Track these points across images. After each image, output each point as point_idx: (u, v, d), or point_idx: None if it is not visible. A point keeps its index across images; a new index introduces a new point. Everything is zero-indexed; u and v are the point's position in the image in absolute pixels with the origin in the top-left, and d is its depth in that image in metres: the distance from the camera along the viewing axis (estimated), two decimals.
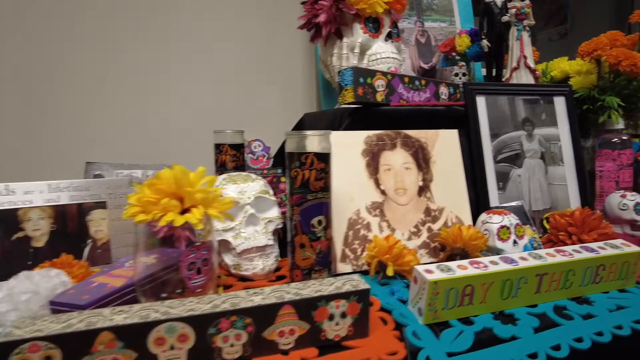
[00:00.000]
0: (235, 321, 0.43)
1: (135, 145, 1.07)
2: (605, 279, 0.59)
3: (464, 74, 0.98)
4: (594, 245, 0.61)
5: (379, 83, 0.74)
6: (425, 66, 1.07)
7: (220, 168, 0.86)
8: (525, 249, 0.74)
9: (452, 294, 0.50)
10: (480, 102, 0.79)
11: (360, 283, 0.48)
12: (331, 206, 0.60)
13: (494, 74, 0.91)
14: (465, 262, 0.53)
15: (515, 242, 0.67)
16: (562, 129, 0.84)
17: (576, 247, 0.60)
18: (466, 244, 0.67)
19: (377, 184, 0.71)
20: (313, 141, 0.57)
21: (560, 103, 0.85)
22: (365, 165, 0.71)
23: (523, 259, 0.55)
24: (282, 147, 0.80)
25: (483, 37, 0.90)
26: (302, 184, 0.57)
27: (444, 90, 0.86)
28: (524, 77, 0.90)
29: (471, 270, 0.51)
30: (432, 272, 0.50)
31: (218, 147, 0.86)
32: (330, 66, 0.83)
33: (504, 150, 0.80)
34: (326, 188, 0.58)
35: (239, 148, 0.87)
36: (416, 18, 1.07)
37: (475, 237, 0.66)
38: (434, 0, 1.09)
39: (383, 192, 0.71)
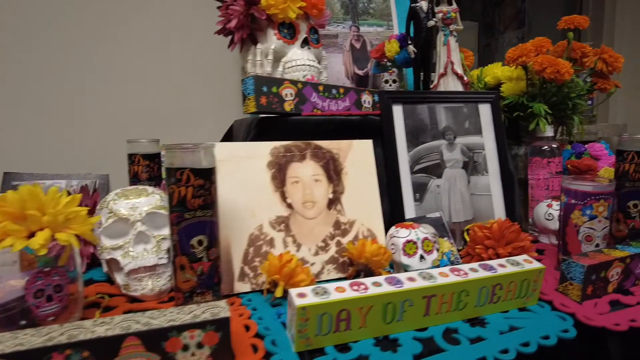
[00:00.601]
0: (70, 355, 0.39)
1: (59, 154, 1.02)
2: (503, 298, 0.56)
3: (394, 81, 0.95)
4: (494, 262, 0.58)
5: (287, 92, 0.71)
6: (360, 72, 1.04)
7: (133, 179, 0.82)
8: (442, 263, 0.72)
9: (325, 319, 0.47)
10: (397, 110, 0.76)
11: (221, 311, 0.45)
12: (217, 224, 0.56)
13: (422, 80, 0.89)
14: (345, 283, 0.50)
15: (422, 257, 0.65)
16: (487, 138, 0.82)
17: (474, 265, 0.57)
18: (369, 260, 0.64)
19: (284, 197, 0.67)
20: (190, 156, 0.53)
21: (485, 110, 0.83)
22: (270, 178, 0.67)
23: (410, 279, 0.52)
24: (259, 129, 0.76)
25: (409, 42, 0.88)
26: (179, 202, 0.53)
27: (367, 99, 0.83)
28: (452, 84, 0.88)
29: (348, 294, 0.48)
30: (304, 295, 0.47)
31: (131, 157, 0.82)
32: (246, 73, 0.79)
33: (422, 160, 0.77)
34: (208, 205, 0.54)
35: (153, 158, 0.83)
36: (351, 22, 1.04)
37: (377, 253, 0.63)
38: (371, 4, 1.06)
39: (289, 206, 0.67)
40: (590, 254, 0.62)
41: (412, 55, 0.87)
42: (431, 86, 0.90)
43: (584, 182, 0.69)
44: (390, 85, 0.95)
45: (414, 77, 0.89)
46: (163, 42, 1.06)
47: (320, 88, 0.75)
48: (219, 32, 0.81)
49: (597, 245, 0.67)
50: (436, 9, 0.87)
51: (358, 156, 0.73)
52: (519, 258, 0.59)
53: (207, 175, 0.54)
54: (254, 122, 0.72)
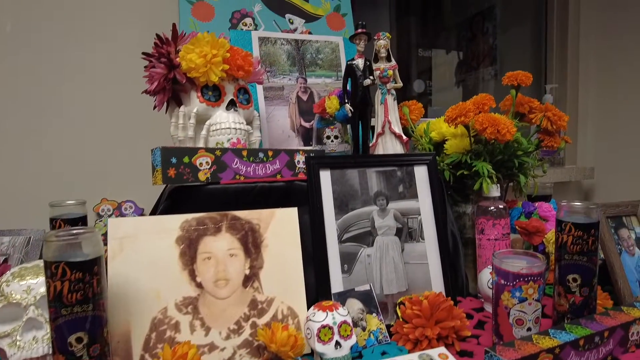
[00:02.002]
0: None
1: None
2: None
3: (335, 137, 0.92)
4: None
5: (202, 161, 0.67)
6: (307, 125, 1.01)
7: None
8: (368, 342, 0.67)
9: None
10: (325, 176, 0.73)
11: None
12: (103, 317, 0.52)
13: (360, 139, 0.86)
14: None
15: (338, 344, 0.60)
16: (423, 202, 0.78)
17: None
18: (278, 350, 0.59)
19: (193, 275, 0.63)
20: (66, 248, 0.49)
21: (421, 173, 0.79)
22: (179, 254, 0.63)
23: None
24: (156, 207, 0.72)
25: (346, 101, 0.85)
26: (55, 297, 0.49)
27: (301, 159, 0.80)
28: (389, 143, 0.85)
29: None
30: None
31: (52, 222, 0.78)
32: (171, 136, 0.76)
33: (351, 228, 0.73)
34: (89, 299, 0.50)
35: (76, 223, 0.79)
36: (298, 74, 1.02)
37: (286, 343, 0.58)
38: (319, 55, 1.04)
39: (199, 285, 0.63)
40: (517, 343, 0.57)
41: (349, 114, 0.84)
42: (370, 144, 0.87)
43: (514, 259, 0.65)
44: (332, 141, 0.92)
45: (352, 136, 0.86)
46: (99, 86, 1.04)
47: (244, 153, 0.72)
48: (145, 92, 0.78)
49: (529, 329, 0.62)
50: (374, 66, 0.85)
51: (281, 226, 0.69)
52: (434, 353, 0.54)
53: (87, 268, 0.50)
54: (167, 192, 0.69)
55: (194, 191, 0.68)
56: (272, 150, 0.76)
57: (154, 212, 0.70)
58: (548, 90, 1.49)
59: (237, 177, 0.71)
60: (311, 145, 0.97)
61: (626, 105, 1.41)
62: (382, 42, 0.83)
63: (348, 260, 0.72)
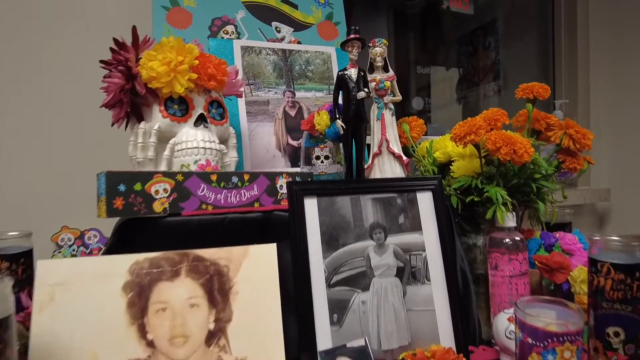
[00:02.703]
0: None
1: None
2: None
3: (326, 157, 0.81)
4: None
5: (159, 188, 0.55)
6: (295, 143, 0.90)
7: None
8: None
9: None
10: (310, 205, 0.61)
11: None
12: None
13: (354, 160, 0.74)
14: None
15: None
16: (429, 235, 0.66)
17: None
18: None
19: (143, 332, 0.50)
20: None
21: (425, 201, 0.67)
22: (126, 305, 0.51)
23: None
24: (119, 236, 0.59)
25: (337, 116, 0.74)
26: None
27: (285, 183, 0.68)
28: (387, 165, 0.73)
29: None
30: None
31: None
32: (130, 157, 0.64)
33: (342, 268, 0.60)
34: None
35: (18, 258, 0.67)
36: (285, 87, 0.91)
37: None
38: (309, 67, 0.94)
39: (150, 344, 0.50)
40: None
41: (341, 131, 0.73)
42: (365, 166, 0.75)
43: (541, 308, 0.52)
44: (322, 162, 0.81)
45: (344, 156, 0.74)
46: (60, 109, 0.93)
47: (213, 177, 0.60)
48: (102, 105, 0.67)
49: None
50: (369, 77, 0.74)
51: (256, 267, 0.57)
52: None
53: None
54: (115, 226, 0.56)
55: (148, 225, 0.56)
56: (249, 174, 0.64)
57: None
58: (558, 106, 1.39)
59: (204, 206, 0.59)
60: (299, 166, 0.85)
61: None
62: (378, 49, 0.73)
63: (338, 309, 0.59)
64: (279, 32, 0.96)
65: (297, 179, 0.70)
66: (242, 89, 0.76)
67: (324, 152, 0.80)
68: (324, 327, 0.58)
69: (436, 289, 0.64)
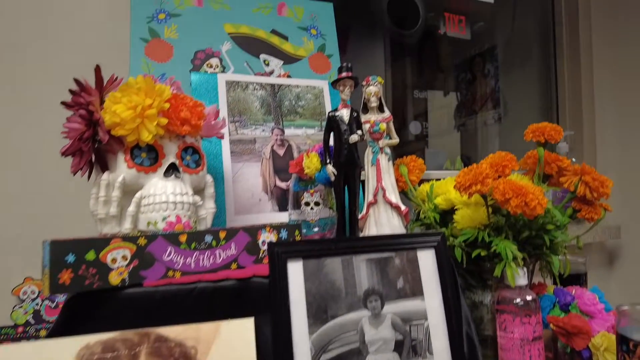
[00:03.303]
0: None
1: None
2: None
3: (316, 203, 0.73)
4: None
5: (116, 255, 0.47)
6: (283, 185, 0.82)
7: None
8: None
9: None
10: (295, 269, 0.53)
11: None
12: None
13: (346, 209, 0.67)
14: None
15: None
16: (431, 300, 0.58)
17: None
18: None
19: None
20: None
21: (427, 260, 0.59)
22: None
23: None
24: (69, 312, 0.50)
25: (329, 160, 0.67)
26: None
27: (269, 238, 0.60)
28: (384, 215, 0.65)
29: None
30: None
31: None
32: (91, 213, 0.57)
33: (331, 345, 0.52)
34: None
35: None
36: (273, 124, 0.85)
37: None
38: (299, 102, 0.87)
39: None
40: None
41: (332, 178, 0.66)
42: (359, 216, 0.67)
43: None
44: (312, 209, 0.73)
45: (336, 207, 0.67)
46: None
47: (182, 238, 0.52)
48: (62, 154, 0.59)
49: None
50: (362, 119, 0.67)
51: (229, 347, 0.48)
52: None
53: None
54: (65, 299, 0.48)
55: (103, 297, 0.47)
56: (226, 230, 0.56)
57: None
58: (563, 137, 1.32)
59: (170, 273, 0.51)
60: (287, 210, 0.77)
61: None
62: (373, 88, 0.66)
63: None
64: (267, 65, 0.90)
65: (283, 230, 0.62)
66: (223, 131, 0.68)
67: (314, 197, 0.73)
68: None
69: None
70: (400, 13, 1.64)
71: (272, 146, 0.84)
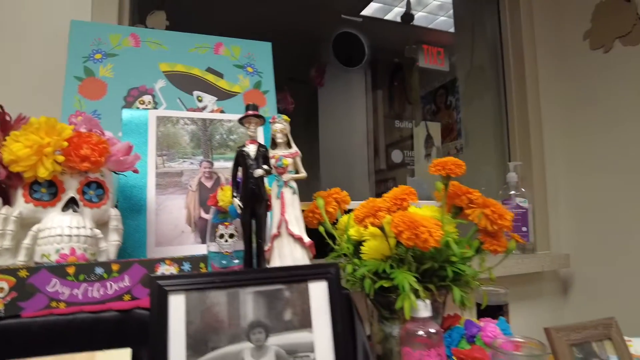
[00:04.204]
0: None
1: None
2: None
3: (230, 236, 0.75)
4: None
5: None
6: (207, 217, 0.84)
7: None
8: None
9: None
10: (177, 303, 0.54)
11: None
12: None
13: (254, 242, 0.69)
14: None
15: None
16: (320, 333, 0.59)
17: None
18: None
19: None
20: None
21: (318, 292, 0.61)
22: None
23: None
24: None
25: (235, 194, 0.69)
26: None
27: (168, 271, 0.62)
28: (286, 248, 0.67)
29: None
30: None
31: None
32: None
33: None
34: None
35: None
36: (202, 157, 0.88)
37: None
38: (231, 136, 0.91)
39: None
40: None
41: (239, 210, 0.68)
42: (265, 249, 0.69)
43: None
44: (227, 241, 0.75)
45: (243, 240, 0.69)
46: None
47: (70, 270, 0.54)
48: None
49: None
50: (270, 154, 0.70)
51: None
52: None
53: None
54: None
55: None
56: (119, 263, 0.58)
57: None
58: (511, 168, 1.35)
59: (54, 304, 0.53)
60: (206, 243, 0.79)
61: (600, 181, 1.26)
62: (279, 125, 0.70)
63: None
64: (200, 101, 0.94)
65: (186, 263, 0.64)
66: (131, 165, 0.71)
67: (229, 229, 0.75)
68: None
69: None
70: (346, 50, 1.70)
71: (200, 178, 0.87)
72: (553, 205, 1.39)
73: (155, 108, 0.90)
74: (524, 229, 1.30)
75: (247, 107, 0.69)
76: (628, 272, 1.18)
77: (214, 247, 0.77)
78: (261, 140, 0.84)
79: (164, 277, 0.55)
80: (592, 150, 1.29)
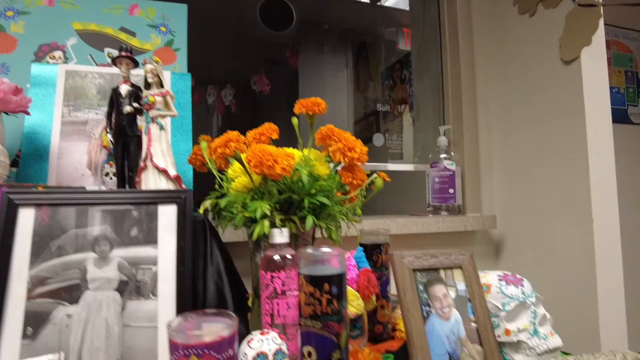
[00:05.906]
0: None
1: None
2: None
3: (115, 174, 0.81)
4: None
5: None
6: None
7: None
8: None
9: None
10: (26, 214, 0.60)
11: None
12: None
13: (126, 175, 0.74)
14: None
15: None
16: (164, 249, 0.64)
17: None
18: None
19: None
20: None
21: (167, 214, 0.66)
22: None
23: None
24: None
25: (108, 130, 0.75)
26: None
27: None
28: (152, 180, 0.73)
29: None
30: None
31: None
32: None
33: (50, 280, 0.59)
34: None
35: None
36: None
37: None
38: None
39: None
40: None
41: (110, 146, 0.74)
42: (135, 181, 0.75)
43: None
44: (111, 179, 0.81)
45: (116, 172, 0.75)
46: None
47: None
48: None
49: None
50: (145, 93, 0.76)
51: None
52: None
53: None
54: None
55: None
56: None
57: None
58: (442, 132, 1.38)
59: None
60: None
61: (529, 147, 1.28)
62: (149, 66, 0.75)
63: (35, 322, 0.57)
64: (111, 57, 0.99)
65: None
66: (28, 106, 0.77)
67: (113, 168, 0.81)
68: (12, 341, 0.55)
69: (163, 305, 0.62)
70: (273, 15, 1.74)
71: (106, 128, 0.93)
72: (487, 169, 1.42)
73: (65, 63, 0.96)
74: (451, 190, 1.34)
75: (120, 49, 0.75)
76: (550, 230, 1.20)
77: (103, 186, 0.83)
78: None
79: (16, 192, 0.61)
80: (522, 110, 1.30)
